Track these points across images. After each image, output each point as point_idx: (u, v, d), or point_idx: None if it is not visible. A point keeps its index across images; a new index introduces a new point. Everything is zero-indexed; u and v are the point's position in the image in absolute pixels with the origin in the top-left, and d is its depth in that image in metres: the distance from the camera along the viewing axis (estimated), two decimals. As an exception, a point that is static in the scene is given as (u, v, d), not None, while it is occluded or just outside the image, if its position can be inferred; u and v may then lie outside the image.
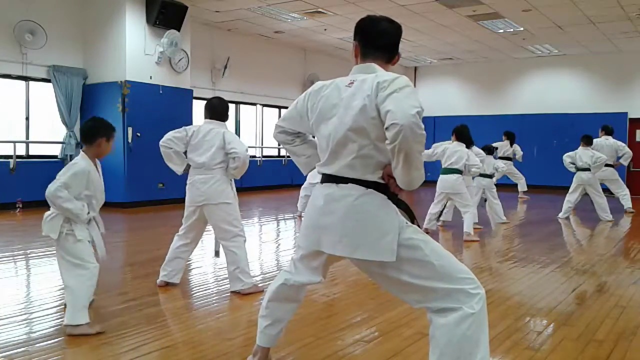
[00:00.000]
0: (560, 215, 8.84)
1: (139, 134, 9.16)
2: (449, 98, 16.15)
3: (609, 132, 9.95)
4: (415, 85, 16.91)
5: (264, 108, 13.38)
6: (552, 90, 14.66)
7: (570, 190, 8.87)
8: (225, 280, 4.59)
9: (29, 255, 5.43)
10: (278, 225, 8.06)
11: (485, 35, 12.11)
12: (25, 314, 3.50)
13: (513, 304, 3.85)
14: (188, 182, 4.17)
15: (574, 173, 8.77)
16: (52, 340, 2.99)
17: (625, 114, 13.72)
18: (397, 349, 2.91)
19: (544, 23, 10.91)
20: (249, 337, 3.05)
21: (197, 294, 4.15)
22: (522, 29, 11.46)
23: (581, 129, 14.10)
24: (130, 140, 9.05)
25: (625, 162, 9.81)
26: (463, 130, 6.90)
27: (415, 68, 16.80)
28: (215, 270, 5.06)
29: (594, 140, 9.22)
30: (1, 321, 3.28)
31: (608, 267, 5.12)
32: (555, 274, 4.81)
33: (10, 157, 8.63)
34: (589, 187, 8.68)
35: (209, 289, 4.26)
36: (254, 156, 13.04)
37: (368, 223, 2.14)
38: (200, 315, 3.52)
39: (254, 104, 13.08)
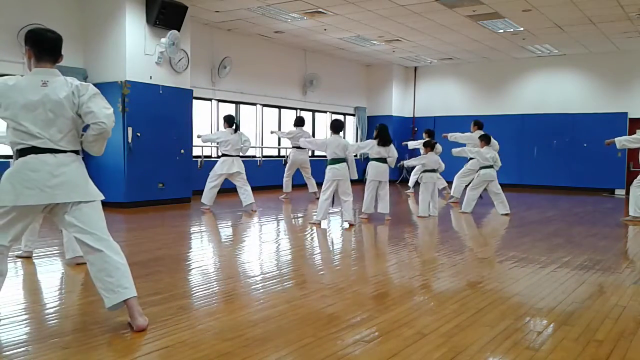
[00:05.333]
0: (465, 210, 9.22)
1: (139, 134, 9.16)
2: (449, 98, 16.15)
3: (480, 126, 10.72)
4: (415, 85, 16.94)
5: (264, 108, 13.38)
6: (552, 90, 14.67)
7: (475, 185, 9.32)
8: (224, 280, 4.60)
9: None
10: (278, 225, 8.06)
11: (485, 35, 12.11)
12: (25, 314, 3.51)
13: (513, 304, 3.85)
14: None
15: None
16: (52, 340, 2.99)
17: (625, 114, 13.73)
18: (397, 349, 2.91)
19: (544, 23, 10.91)
20: (249, 337, 3.05)
21: (197, 294, 4.15)
22: (522, 29, 11.46)
23: (581, 129, 14.19)
24: (130, 140, 9.04)
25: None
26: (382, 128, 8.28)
27: (415, 68, 16.79)
28: (215, 270, 5.06)
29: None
30: (1, 321, 3.28)
31: (608, 267, 5.13)
32: (555, 274, 4.81)
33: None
34: (492, 182, 9.18)
35: (209, 289, 4.26)
36: (254, 156, 13.05)
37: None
38: (200, 315, 3.51)
39: (254, 104, 13.08)
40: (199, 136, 9.39)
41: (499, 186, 9.16)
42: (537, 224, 8.14)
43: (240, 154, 9.02)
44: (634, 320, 3.53)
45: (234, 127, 8.98)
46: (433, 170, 8.85)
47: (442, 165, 9.02)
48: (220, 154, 9.12)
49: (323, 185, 7.60)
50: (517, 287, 4.39)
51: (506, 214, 8.97)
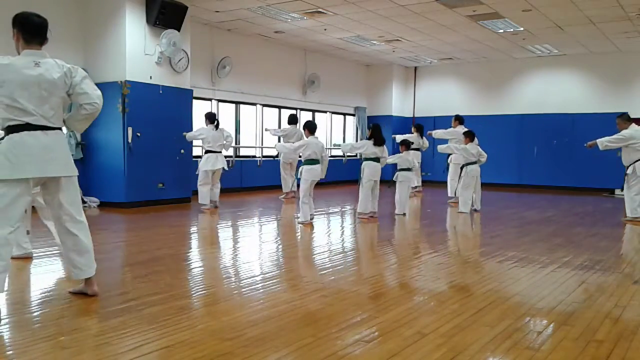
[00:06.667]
0: (462, 210, 9.22)
1: (139, 134, 9.16)
2: (449, 98, 16.13)
3: (461, 121, 11.12)
4: (415, 85, 16.92)
5: (264, 108, 13.38)
6: (552, 90, 14.66)
7: (465, 185, 9.32)
8: (224, 280, 4.60)
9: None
10: (278, 225, 8.06)
11: (485, 35, 12.11)
12: (25, 314, 3.51)
13: (513, 304, 3.85)
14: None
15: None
16: (52, 341, 2.99)
17: (625, 114, 13.69)
18: (397, 349, 2.91)
19: (544, 23, 10.90)
20: (249, 337, 3.05)
21: (198, 293, 4.15)
22: (522, 29, 11.45)
23: (581, 129, 14.17)
24: (130, 140, 9.04)
25: None
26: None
27: (415, 68, 16.79)
28: (215, 270, 5.06)
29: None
30: (1, 321, 3.28)
31: (608, 267, 5.13)
32: (555, 274, 4.81)
33: None
34: (477, 179, 9.37)
35: (209, 289, 4.26)
36: (254, 156, 13.05)
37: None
38: (200, 315, 3.52)
39: (254, 104, 13.08)
40: (184, 134, 9.57)
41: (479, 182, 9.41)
42: (537, 224, 8.14)
43: (224, 151, 9.26)
44: (634, 320, 3.53)
45: (215, 123, 9.14)
46: (408, 169, 8.80)
47: (417, 164, 9.10)
48: (204, 151, 9.25)
49: (302, 185, 7.63)
50: (517, 287, 4.39)
51: (476, 211, 9.25)
